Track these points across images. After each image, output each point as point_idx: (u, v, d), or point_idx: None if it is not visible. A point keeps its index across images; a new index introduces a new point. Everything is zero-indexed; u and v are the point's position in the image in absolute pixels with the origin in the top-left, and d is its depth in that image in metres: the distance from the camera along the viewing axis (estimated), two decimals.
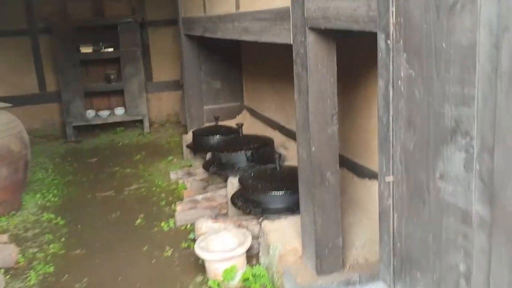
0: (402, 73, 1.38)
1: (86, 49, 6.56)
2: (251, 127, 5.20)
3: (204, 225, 3.18)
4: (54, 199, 4.49)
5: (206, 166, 4.12)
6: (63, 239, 3.68)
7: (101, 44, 6.67)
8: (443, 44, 1.26)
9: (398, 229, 1.46)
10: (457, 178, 1.27)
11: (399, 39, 1.38)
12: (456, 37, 1.22)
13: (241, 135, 4.20)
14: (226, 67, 5.58)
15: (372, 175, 2.94)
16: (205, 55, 5.43)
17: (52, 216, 4.10)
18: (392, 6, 1.41)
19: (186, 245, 3.45)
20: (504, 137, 1.11)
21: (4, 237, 3.49)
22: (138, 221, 3.92)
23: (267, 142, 3.99)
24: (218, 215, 3.74)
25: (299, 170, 2.39)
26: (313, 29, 2.14)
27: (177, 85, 7.28)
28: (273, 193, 2.98)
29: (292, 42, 2.31)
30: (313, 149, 2.24)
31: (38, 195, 4.57)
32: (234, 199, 3.30)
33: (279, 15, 2.44)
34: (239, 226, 3.10)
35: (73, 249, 3.53)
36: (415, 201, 1.40)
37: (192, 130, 5.22)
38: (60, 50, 6.41)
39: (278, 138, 4.44)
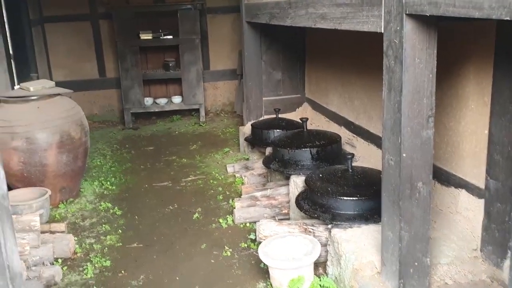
0: None
1: (146, 36, 6.48)
2: (312, 121, 4.92)
3: (267, 228, 2.96)
4: (112, 188, 4.45)
5: (266, 163, 3.90)
6: (120, 230, 3.60)
7: (160, 31, 6.58)
8: None
9: None
10: None
11: None
12: None
13: (305, 130, 3.93)
14: (288, 57, 5.30)
15: (460, 184, 2.60)
16: (267, 44, 5.18)
17: (109, 205, 4.04)
18: None
19: (245, 245, 3.27)
20: None
21: (62, 226, 3.45)
22: (196, 215, 3.78)
23: (335, 140, 3.70)
24: (279, 215, 3.53)
25: (384, 178, 2.10)
26: (412, 16, 1.84)
27: (233, 74, 7.10)
28: (345, 198, 2.71)
29: (383, 31, 2.02)
30: (404, 155, 1.95)
31: (96, 183, 4.54)
32: (299, 201, 3.05)
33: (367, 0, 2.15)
34: (305, 231, 2.86)
35: (130, 242, 3.43)
36: None
37: (250, 122, 5.01)
38: (120, 36, 6.37)
39: (343, 134, 4.14)
